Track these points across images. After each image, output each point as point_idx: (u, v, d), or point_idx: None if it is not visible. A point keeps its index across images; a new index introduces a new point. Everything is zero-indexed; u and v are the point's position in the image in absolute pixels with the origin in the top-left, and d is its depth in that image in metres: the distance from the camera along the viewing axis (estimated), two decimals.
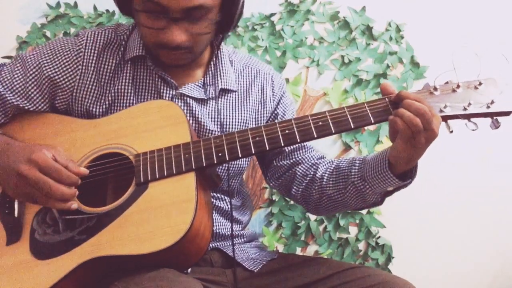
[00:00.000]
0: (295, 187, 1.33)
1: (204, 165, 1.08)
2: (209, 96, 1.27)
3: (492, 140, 1.97)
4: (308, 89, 1.95)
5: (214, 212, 1.28)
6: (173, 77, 1.24)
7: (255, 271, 1.24)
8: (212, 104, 1.28)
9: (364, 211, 1.96)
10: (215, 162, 1.09)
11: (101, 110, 1.21)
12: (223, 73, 1.30)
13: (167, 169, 1.08)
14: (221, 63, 1.30)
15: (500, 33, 1.95)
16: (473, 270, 2.02)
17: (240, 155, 1.09)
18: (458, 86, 1.09)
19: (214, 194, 1.29)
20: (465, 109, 1.06)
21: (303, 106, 1.95)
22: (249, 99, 1.33)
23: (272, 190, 1.93)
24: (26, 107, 1.21)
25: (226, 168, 1.27)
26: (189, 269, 1.14)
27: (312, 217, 1.94)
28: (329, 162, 1.32)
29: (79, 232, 1.06)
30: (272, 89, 1.36)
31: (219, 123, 1.28)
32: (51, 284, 1.01)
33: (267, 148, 1.09)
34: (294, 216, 1.93)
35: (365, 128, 1.93)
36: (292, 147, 1.33)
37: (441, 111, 1.07)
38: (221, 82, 1.28)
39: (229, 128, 1.28)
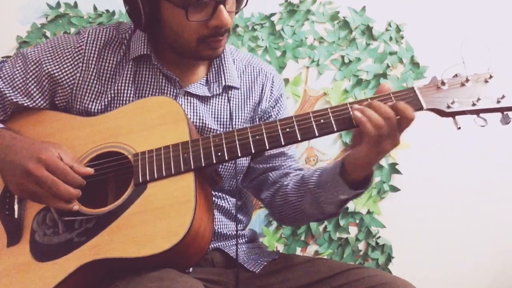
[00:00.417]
0: (264, 192, 1.33)
1: (203, 165, 1.08)
2: (213, 93, 1.27)
3: (493, 139, 1.96)
4: (308, 89, 1.95)
5: (216, 211, 1.27)
6: (177, 75, 1.24)
7: (257, 272, 1.23)
8: (216, 102, 1.28)
9: (364, 211, 1.96)
10: (214, 162, 1.08)
11: (99, 108, 1.21)
12: (226, 69, 1.29)
13: (166, 169, 1.07)
14: (225, 60, 1.30)
15: (500, 33, 1.95)
16: (473, 270, 2.02)
17: (239, 155, 1.08)
18: (467, 80, 1.04)
19: (217, 193, 1.28)
20: (474, 104, 1.02)
21: (303, 106, 1.95)
22: (251, 97, 1.33)
23: None
24: (26, 104, 1.21)
25: (232, 166, 1.27)
26: (191, 269, 1.14)
27: None
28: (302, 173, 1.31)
29: (78, 234, 1.05)
30: (271, 89, 1.36)
31: (222, 121, 1.28)
32: (51, 286, 1.01)
33: (267, 147, 1.08)
34: None
35: None
36: (272, 152, 1.32)
37: (448, 107, 1.03)
38: (225, 78, 1.28)
39: (231, 126, 1.28)
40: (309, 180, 1.23)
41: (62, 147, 1.11)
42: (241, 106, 1.31)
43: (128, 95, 1.22)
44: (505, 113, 1.02)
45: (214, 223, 1.23)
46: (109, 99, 1.21)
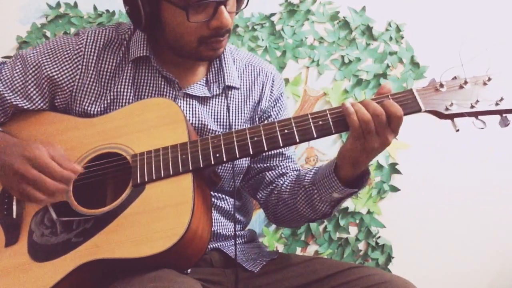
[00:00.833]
0: (260, 192, 1.33)
1: (201, 166, 1.07)
2: (213, 94, 1.27)
3: (493, 139, 1.96)
4: (308, 89, 1.95)
5: (215, 212, 1.27)
6: (177, 77, 1.24)
7: (255, 271, 1.23)
8: (215, 102, 1.28)
9: (364, 211, 1.96)
10: (213, 163, 1.08)
11: (98, 109, 1.21)
12: (226, 69, 1.29)
13: (164, 170, 1.07)
14: (225, 60, 1.30)
15: (500, 33, 1.95)
16: (473, 270, 2.02)
17: (237, 156, 1.08)
18: (466, 82, 1.04)
19: (216, 194, 1.28)
20: (472, 106, 1.02)
21: (303, 106, 1.95)
22: (250, 97, 1.33)
23: None
24: (26, 107, 1.21)
25: (230, 167, 1.27)
26: (189, 270, 1.14)
27: None
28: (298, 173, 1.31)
29: (76, 234, 1.05)
30: (271, 89, 1.36)
31: (221, 121, 1.28)
32: (49, 287, 1.01)
33: (266, 149, 1.08)
34: None
35: None
36: (270, 152, 1.31)
37: (447, 109, 1.03)
38: (225, 78, 1.28)
39: (232, 126, 1.28)
40: (304, 177, 1.23)
41: (54, 145, 1.11)
42: (241, 106, 1.31)
43: (128, 97, 1.22)
44: (503, 115, 1.02)
45: (213, 223, 1.23)
46: (109, 101, 1.22)
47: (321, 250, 1.96)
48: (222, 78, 1.28)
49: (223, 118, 1.28)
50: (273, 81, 1.37)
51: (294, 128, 1.07)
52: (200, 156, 1.08)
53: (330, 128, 1.06)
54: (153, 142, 1.11)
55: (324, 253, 1.95)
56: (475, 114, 1.03)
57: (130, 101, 1.22)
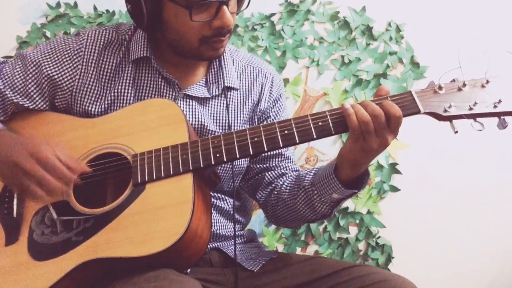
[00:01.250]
0: (260, 192, 1.33)
1: (202, 166, 1.08)
2: (213, 94, 1.27)
3: (493, 140, 1.96)
4: (308, 89, 1.95)
5: (214, 212, 1.27)
6: (176, 78, 1.24)
7: (255, 271, 1.23)
8: (215, 103, 1.28)
9: (364, 211, 1.96)
10: (213, 163, 1.08)
11: (99, 110, 1.21)
12: (226, 70, 1.30)
13: (164, 170, 1.07)
14: (224, 61, 1.30)
15: (500, 33, 1.95)
16: (473, 270, 2.02)
17: (238, 156, 1.09)
18: (464, 85, 1.05)
19: (215, 194, 1.28)
20: (470, 108, 1.02)
21: (303, 106, 1.95)
22: (250, 98, 1.33)
23: None
24: (26, 105, 1.22)
25: (230, 167, 1.27)
26: (189, 269, 1.14)
27: None
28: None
29: (76, 233, 1.06)
30: (270, 90, 1.36)
31: (221, 122, 1.28)
32: (49, 285, 1.01)
33: (266, 149, 1.08)
34: None
35: None
36: (269, 152, 1.31)
37: (445, 111, 1.03)
38: (224, 79, 1.28)
39: (231, 127, 1.28)
40: (304, 178, 1.23)
41: (59, 145, 1.11)
42: (240, 107, 1.31)
43: (128, 98, 1.22)
44: (502, 117, 1.03)
45: (213, 223, 1.23)
46: (109, 101, 1.22)
47: (321, 250, 1.96)
48: (221, 79, 1.28)
49: (223, 119, 1.28)
50: (272, 82, 1.37)
51: (294, 129, 1.07)
52: (201, 156, 1.08)
53: (329, 129, 1.06)
54: (154, 142, 1.11)
55: (324, 253, 1.95)
56: (474, 116, 1.03)
57: (130, 101, 1.22)
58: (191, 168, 1.07)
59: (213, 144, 1.10)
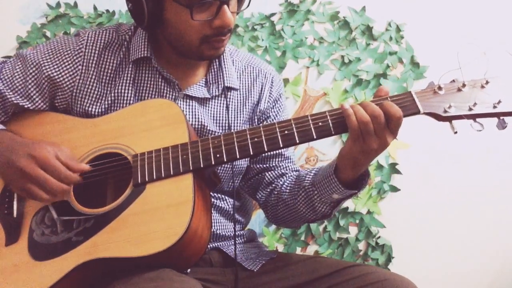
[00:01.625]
0: (260, 192, 1.33)
1: (202, 166, 1.08)
2: (213, 95, 1.27)
3: (493, 140, 1.97)
4: (308, 89, 1.95)
5: (214, 212, 1.28)
6: (177, 78, 1.24)
7: (255, 270, 1.23)
8: (215, 103, 1.28)
9: (364, 211, 1.96)
10: (213, 163, 1.08)
11: (99, 110, 1.21)
12: (226, 70, 1.30)
13: (165, 170, 1.07)
14: (224, 61, 1.30)
15: (500, 33, 1.95)
16: (473, 270, 2.03)
17: (238, 156, 1.09)
18: (464, 85, 1.05)
19: (215, 194, 1.29)
20: (470, 109, 1.03)
21: (303, 106, 1.95)
22: (249, 98, 1.33)
23: None
24: (26, 106, 1.22)
25: (230, 168, 1.27)
26: (189, 269, 1.14)
27: None
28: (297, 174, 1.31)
29: (76, 233, 1.06)
30: (270, 90, 1.36)
31: (220, 122, 1.28)
32: (49, 285, 1.01)
33: (266, 149, 1.08)
34: None
35: None
36: (270, 152, 1.31)
37: (445, 111, 1.03)
38: (224, 79, 1.28)
39: (231, 127, 1.28)
40: (304, 178, 1.23)
41: (60, 147, 1.11)
42: (240, 107, 1.31)
43: (128, 98, 1.22)
44: (501, 118, 1.03)
45: (213, 224, 1.23)
46: (110, 101, 1.22)
47: (321, 250, 1.96)
48: (221, 79, 1.28)
49: (222, 119, 1.28)
50: (272, 82, 1.37)
51: (294, 129, 1.08)
52: (201, 156, 1.08)
53: (329, 129, 1.07)
54: (154, 143, 1.11)
55: (324, 253, 1.95)
56: (473, 117, 1.03)
57: (131, 102, 1.22)
58: (191, 168, 1.07)
59: (213, 144, 1.10)
